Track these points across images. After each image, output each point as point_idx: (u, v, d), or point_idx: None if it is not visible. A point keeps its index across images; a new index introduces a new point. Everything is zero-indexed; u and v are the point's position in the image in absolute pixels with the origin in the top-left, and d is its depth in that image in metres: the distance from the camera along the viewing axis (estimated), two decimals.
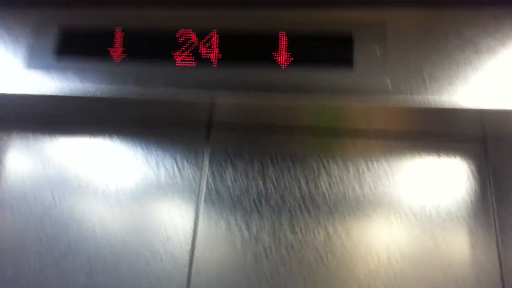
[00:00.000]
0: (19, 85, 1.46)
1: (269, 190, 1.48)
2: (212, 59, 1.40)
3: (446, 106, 1.25)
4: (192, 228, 1.46)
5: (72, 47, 1.49)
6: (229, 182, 1.51)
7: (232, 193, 1.49)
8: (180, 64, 1.41)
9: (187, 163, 1.55)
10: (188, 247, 1.44)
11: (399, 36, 1.33)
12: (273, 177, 1.49)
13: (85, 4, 1.53)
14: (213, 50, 1.40)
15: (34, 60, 1.49)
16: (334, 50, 1.34)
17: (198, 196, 1.50)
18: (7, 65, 1.51)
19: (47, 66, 1.47)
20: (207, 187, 1.51)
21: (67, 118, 1.67)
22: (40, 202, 1.56)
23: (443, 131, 1.44)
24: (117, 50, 1.45)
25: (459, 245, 1.32)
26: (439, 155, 1.44)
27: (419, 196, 1.40)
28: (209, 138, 1.58)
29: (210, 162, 1.55)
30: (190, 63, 1.40)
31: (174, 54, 1.41)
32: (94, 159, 1.61)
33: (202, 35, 1.42)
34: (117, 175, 1.57)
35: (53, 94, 1.45)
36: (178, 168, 1.55)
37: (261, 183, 1.49)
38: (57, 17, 1.54)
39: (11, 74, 1.49)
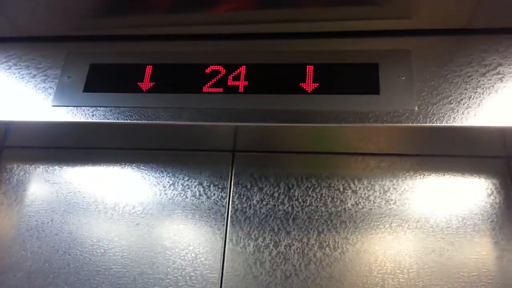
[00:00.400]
0: (48, 116, 1.49)
1: (296, 209, 1.51)
2: (239, 87, 1.44)
3: (470, 126, 1.30)
4: (221, 248, 1.48)
5: (101, 82, 1.53)
6: (255, 203, 1.54)
7: (259, 213, 1.52)
8: (207, 90, 1.44)
9: (213, 186, 1.58)
10: (218, 267, 1.47)
11: (423, 62, 1.40)
12: (299, 197, 1.53)
13: (115, 39, 1.59)
14: (241, 80, 1.44)
15: (63, 94, 1.52)
16: (360, 77, 1.39)
17: (225, 218, 1.53)
18: (36, 97, 1.53)
19: (76, 99, 1.50)
20: (234, 208, 1.54)
21: (95, 146, 1.71)
22: (67, 227, 1.58)
23: (466, 149, 1.50)
24: (146, 84, 1.49)
25: (487, 257, 1.38)
26: (464, 172, 1.50)
27: (445, 211, 1.45)
28: (234, 162, 1.62)
29: (235, 185, 1.58)
30: (217, 90, 1.44)
31: (203, 87, 1.45)
32: (122, 185, 1.65)
33: (230, 68, 1.47)
34: (144, 199, 1.60)
35: (82, 122, 1.47)
36: (205, 191, 1.58)
37: (287, 203, 1.53)
38: (87, 52, 1.59)
39: (40, 106, 1.52)
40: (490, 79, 1.35)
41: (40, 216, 1.62)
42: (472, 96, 1.33)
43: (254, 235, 1.49)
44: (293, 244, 1.47)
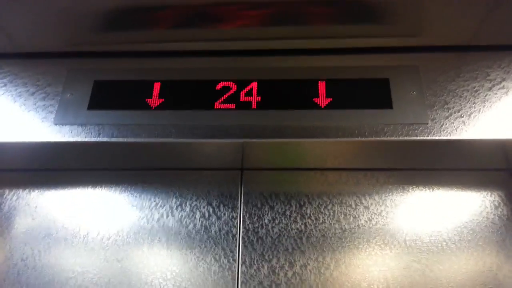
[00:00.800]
0: (50, 136, 1.42)
1: (309, 227, 1.48)
2: (252, 103, 1.42)
3: (481, 139, 1.33)
4: (235, 271, 1.42)
5: (106, 99, 1.48)
6: (267, 223, 1.50)
7: (271, 233, 1.48)
8: (219, 107, 1.41)
9: (223, 206, 1.54)
10: None
11: (431, 78, 1.43)
12: (312, 215, 1.50)
13: (121, 55, 1.56)
14: (253, 96, 1.43)
15: (66, 112, 1.46)
16: (373, 92, 1.41)
17: (237, 239, 1.48)
18: (35, 116, 1.46)
19: (80, 117, 1.44)
20: (245, 228, 1.49)
21: (97, 167, 1.64)
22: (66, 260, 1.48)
23: (472, 163, 1.53)
24: (155, 101, 1.45)
25: (500, 267, 1.39)
26: (470, 185, 1.52)
27: (454, 224, 1.46)
28: (242, 180, 1.58)
29: (245, 204, 1.54)
30: (229, 106, 1.42)
31: (215, 103, 1.43)
32: (125, 208, 1.56)
33: (242, 84, 1.46)
34: (150, 221, 1.52)
35: (87, 141, 1.41)
36: (214, 212, 1.52)
37: (300, 221, 1.49)
38: (90, 68, 1.54)
39: (40, 125, 1.45)
40: (496, 93, 1.39)
41: (36, 244, 1.51)
42: (481, 110, 1.37)
43: (268, 256, 1.44)
44: (309, 264, 1.43)
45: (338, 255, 1.43)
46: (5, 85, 1.54)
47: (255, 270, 1.42)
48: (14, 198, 1.61)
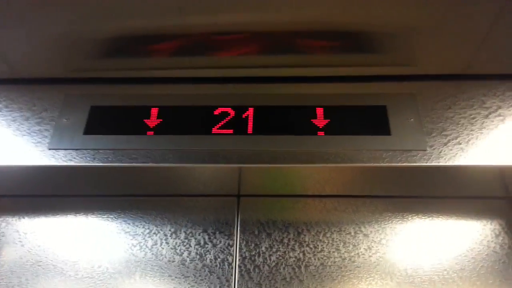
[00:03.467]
0: (44, 160, 1.39)
1: (308, 256, 1.44)
2: (248, 129, 1.42)
3: (480, 165, 1.33)
4: None
5: (103, 124, 1.46)
6: (264, 250, 1.46)
7: (269, 261, 1.44)
8: (217, 132, 1.41)
9: (219, 233, 1.50)
10: None
11: (428, 105, 1.44)
12: (310, 243, 1.47)
13: (117, 82, 1.55)
14: (250, 122, 1.43)
15: (62, 136, 1.44)
16: (371, 119, 1.42)
17: (233, 267, 1.43)
18: (30, 141, 1.45)
19: (75, 142, 1.42)
20: (242, 256, 1.45)
21: (88, 193, 1.60)
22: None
23: (470, 190, 1.51)
24: (152, 126, 1.44)
25: None
26: (470, 214, 1.51)
27: (455, 253, 1.43)
28: (239, 207, 1.55)
29: (242, 231, 1.50)
30: (227, 131, 1.41)
31: (212, 128, 1.42)
32: (116, 234, 1.52)
33: (239, 110, 1.46)
34: (143, 248, 1.47)
35: (82, 166, 1.38)
36: (210, 239, 1.49)
37: (298, 249, 1.46)
38: (87, 94, 1.54)
39: (34, 150, 1.42)
40: (493, 121, 1.40)
41: (24, 271, 1.45)
42: (479, 137, 1.37)
43: (265, 285, 1.40)
44: None
45: (338, 285, 1.39)
46: (0, 110, 1.53)
47: None
48: (3, 224, 1.56)
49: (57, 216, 1.56)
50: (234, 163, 1.37)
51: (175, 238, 1.49)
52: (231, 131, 1.41)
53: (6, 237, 1.52)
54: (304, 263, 1.43)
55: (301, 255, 1.45)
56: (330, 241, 1.47)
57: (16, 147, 1.43)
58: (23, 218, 1.56)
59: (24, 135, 1.46)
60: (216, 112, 1.45)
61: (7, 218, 1.57)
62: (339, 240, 1.47)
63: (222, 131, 1.42)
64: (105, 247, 1.48)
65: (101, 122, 1.47)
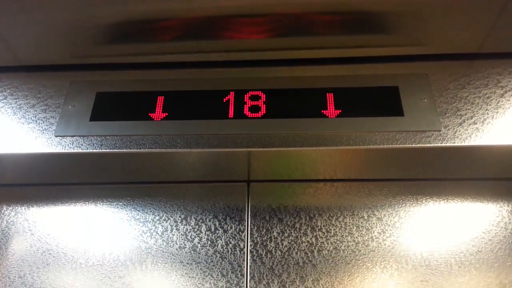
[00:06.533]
0: (51, 147, 1.38)
1: (320, 240, 1.42)
2: (259, 112, 1.40)
3: (497, 144, 1.30)
4: (244, 286, 1.35)
5: (109, 110, 1.44)
6: (276, 236, 1.44)
7: (281, 246, 1.42)
8: (227, 116, 1.39)
9: (230, 218, 1.48)
10: None
11: (441, 85, 1.41)
12: (323, 227, 1.45)
13: (123, 67, 1.53)
14: (260, 105, 1.41)
15: (68, 123, 1.43)
16: (383, 100, 1.39)
17: (245, 252, 1.41)
18: (36, 128, 1.43)
19: (82, 129, 1.41)
20: (253, 241, 1.43)
21: (96, 181, 1.57)
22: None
23: (486, 171, 1.48)
24: (159, 111, 1.42)
25: None
26: (487, 195, 1.48)
27: (471, 235, 1.40)
28: (249, 192, 1.53)
29: (253, 216, 1.48)
30: (236, 115, 1.39)
31: (222, 112, 1.40)
32: (127, 222, 1.50)
33: (249, 93, 1.44)
34: (153, 235, 1.46)
35: (89, 152, 1.37)
36: (221, 225, 1.47)
37: (310, 234, 1.44)
38: (93, 80, 1.52)
39: (41, 137, 1.41)
40: (509, 100, 1.36)
41: (35, 260, 1.44)
42: (495, 116, 1.34)
43: (278, 270, 1.38)
44: (321, 278, 1.36)
45: (352, 269, 1.37)
46: (5, 98, 1.51)
47: (264, 285, 1.35)
48: (13, 213, 1.54)
49: (66, 204, 1.54)
50: (244, 147, 1.34)
51: (185, 225, 1.47)
52: (240, 115, 1.39)
53: (16, 226, 1.51)
54: (317, 248, 1.41)
55: (313, 239, 1.43)
56: (343, 225, 1.45)
57: (23, 135, 1.41)
58: (32, 207, 1.55)
59: (30, 123, 1.44)
60: (225, 97, 1.43)
61: (16, 207, 1.55)
62: (352, 224, 1.45)
63: (231, 115, 1.40)
64: (115, 235, 1.47)
65: (108, 109, 1.44)
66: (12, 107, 1.48)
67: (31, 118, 1.45)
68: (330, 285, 1.35)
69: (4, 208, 1.56)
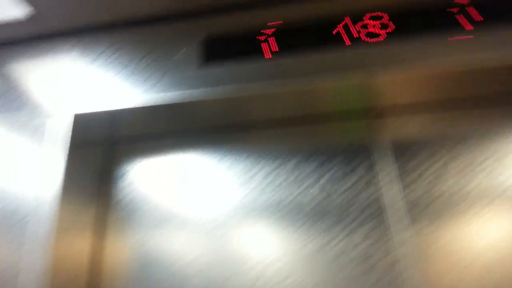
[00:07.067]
0: (168, 95, 1.33)
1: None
2: (379, 36, 1.27)
3: None
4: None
5: (220, 54, 1.38)
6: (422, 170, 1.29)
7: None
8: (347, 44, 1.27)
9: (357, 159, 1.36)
10: None
11: None
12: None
13: (232, 8, 1.44)
14: (383, 27, 1.27)
15: (181, 69, 1.38)
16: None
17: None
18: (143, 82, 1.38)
19: (194, 73, 1.35)
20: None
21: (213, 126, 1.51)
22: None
23: None
24: (271, 49, 1.34)
25: None
26: None
27: None
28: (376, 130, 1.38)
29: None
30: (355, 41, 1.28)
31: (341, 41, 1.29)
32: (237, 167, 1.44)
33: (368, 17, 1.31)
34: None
35: (203, 99, 1.31)
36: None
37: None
38: (203, 25, 1.45)
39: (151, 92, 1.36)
40: None
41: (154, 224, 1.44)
42: None
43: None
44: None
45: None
46: (115, 53, 1.47)
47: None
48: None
49: (175, 155, 1.52)
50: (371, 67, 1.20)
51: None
52: (361, 39, 1.27)
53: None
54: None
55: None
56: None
57: (132, 89, 1.38)
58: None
59: (136, 77, 1.40)
60: (339, 24, 1.31)
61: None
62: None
63: (348, 42, 1.28)
64: (238, 185, 1.42)
65: (218, 52, 1.37)
66: (121, 62, 1.44)
67: (139, 71, 1.40)
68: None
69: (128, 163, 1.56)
